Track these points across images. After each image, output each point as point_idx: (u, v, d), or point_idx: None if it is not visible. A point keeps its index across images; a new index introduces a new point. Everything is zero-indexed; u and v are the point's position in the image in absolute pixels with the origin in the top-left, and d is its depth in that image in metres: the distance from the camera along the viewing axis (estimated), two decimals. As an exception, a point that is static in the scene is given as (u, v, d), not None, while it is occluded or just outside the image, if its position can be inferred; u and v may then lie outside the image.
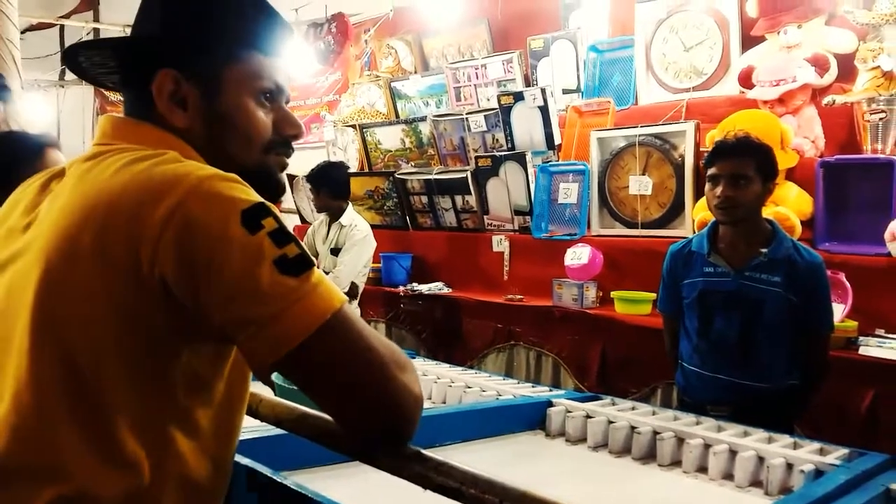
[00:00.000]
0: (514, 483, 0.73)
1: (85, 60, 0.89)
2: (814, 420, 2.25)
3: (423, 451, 0.77)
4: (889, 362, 2.28)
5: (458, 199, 3.86)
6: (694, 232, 2.88)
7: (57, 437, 0.73)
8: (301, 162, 3.51)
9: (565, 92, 3.79)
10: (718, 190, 1.96)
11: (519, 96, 3.60)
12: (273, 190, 0.91)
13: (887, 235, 2.40)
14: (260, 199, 0.75)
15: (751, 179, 1.94)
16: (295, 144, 0.94)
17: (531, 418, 1.89)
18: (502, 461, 1.64)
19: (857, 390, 2.36)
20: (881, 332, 2.42)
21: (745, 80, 3.03)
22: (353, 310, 0.78)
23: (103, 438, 0.74)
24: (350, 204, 3.57)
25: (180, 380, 0.78)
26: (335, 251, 3.46)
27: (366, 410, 0.76)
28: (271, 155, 0.90)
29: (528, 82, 3.94)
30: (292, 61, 5.38)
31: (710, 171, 2.00)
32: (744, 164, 1.94)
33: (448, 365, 2.51)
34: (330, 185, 3.46)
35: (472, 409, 1.88)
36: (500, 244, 3.60)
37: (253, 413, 0.97)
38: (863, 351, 2.34)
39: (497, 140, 3.81)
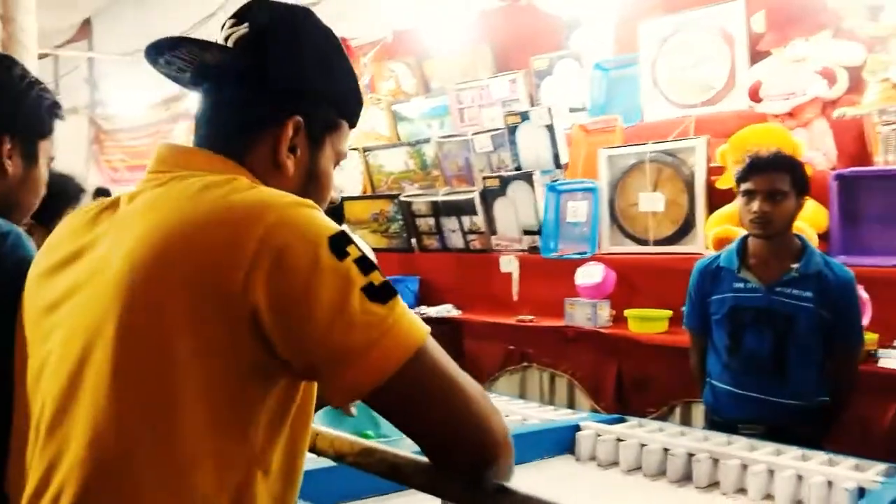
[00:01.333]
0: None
1: (169, 55, 0.86)
2: (838, 435, 2.22)
3: (507, 486, 0.74)
4: (911, 374, 2.25)
5: (465, 220, 3.83)
6: (707, 247, 2.87)
7: (137, 480, 0.70)
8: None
9: (571, 111, 3.79)
10: (755, 205, 1.95)
11: (525, 116, 3.60)
12: None
13: (905, 247, 2.38)
14: (338, 226, 0.75)
15: (786, 195, 1.94)
16: None
17: (560, 443, 1.85)
18: (537, 489, 1.60)
19: (879, 403, 2.33)
20: (902, 344, 2.40)
21: (754, 94, 3.04)
22: None
23: (183, 484, 0.71)
24: (346, 225, 3.52)
25: (261, 420, 0.75)
26: None
27: (460, 441, 0.75)
28: None
29: (533, 102, 3.94)
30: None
31: (745, 186, 1.99)
32: (780, 179, 1.94)
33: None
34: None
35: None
36: (509, 264, 3.57)
37: (310, 448, 0.93)
38: (883, 363, 2.32)
39: (503, 160, 3.80)
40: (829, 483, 1.50)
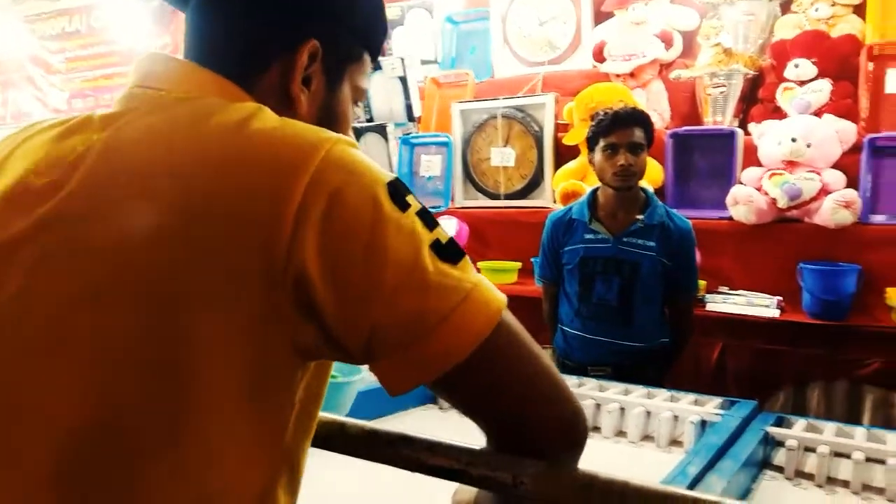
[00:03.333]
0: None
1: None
2: (674, 373, 2.43)
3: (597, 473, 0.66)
4: (733, 316, 2.50)
5: (316, 172, 3.73)
6: (555, 201, 2.99)
7: (138, 479, 0.56)
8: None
9: (423, 63, 3.77)
10: (620, 158, 2.03)
11: (377, 66, 3.53)
12: None
13: (729, 200, 2.61)
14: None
15: (644, 148, 2.05)
16: None
17: (422, 393, 1.88)
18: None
19: (707, 344, 2.58)
20: (725, 289, 2.65)
21: (598, 54, 3.16)
22: None
23: (198, 486, 0.57)
24: None
25: (292, 410, 0.62)
26: None
27: (548, 422, 0.65)
28: None
29: (384, 52, 3.87)
30: (122, 23, 4.94)
31: (607, 140, 2.06)
32: (639, 133, 2.04)
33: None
34: None
35: (362, 391, 1.84)
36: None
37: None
38: (710, 307, 2.55)
39: (355, 112, 3.72)
40: (675, 417, 1.63)
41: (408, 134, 3.51)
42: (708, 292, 2.64)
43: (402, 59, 3.46)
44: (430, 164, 3.42)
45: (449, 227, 3.16)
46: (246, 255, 0.55)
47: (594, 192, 2.18)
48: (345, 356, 0.61)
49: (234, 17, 0.70)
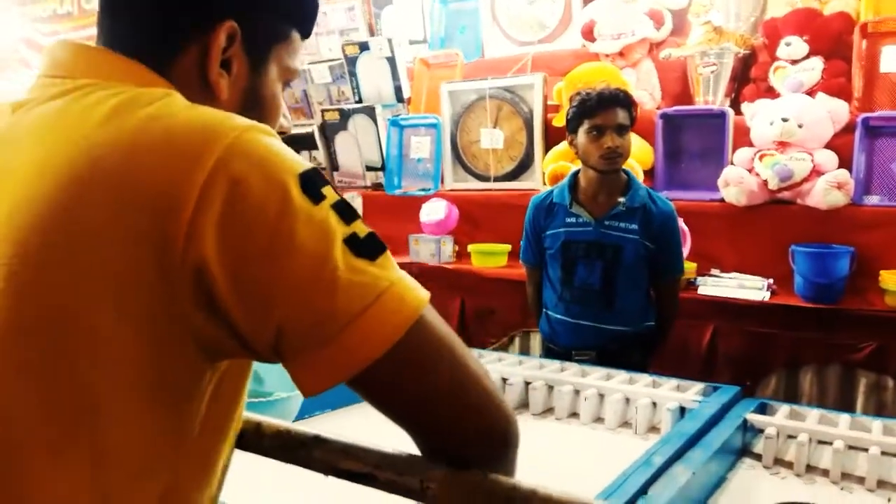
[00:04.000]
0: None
1: None
2: (663, 357, 2.40)
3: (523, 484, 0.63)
4: (724, 300, 2.46)
5: (305, 154, 3.69)
6: (545, 184, 2.95)
7: (38, 482, 0.53)
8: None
9: (412, 43, 3.71)
10: (607, 140, 1.98)
11: (364, 46, 3.48)
12: None
13: (720, 181, 2.56)
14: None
15: (629, 129, 1.99)
16: None
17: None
18: (376, 430, 1.59)
19: (697, 327, 2.54)
20: (716, 271, 2.61)
21: (588, 33, 3.10)
22: None
23: (91, 486, 0.54)
24: None
25: (200, 410, 0.59)
26: None
27: (471, 426, 0.62)
28: None
29: (373, 32, 3.81)
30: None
31: (592, 122, 2.00)
32: (624, 115, 1.98)
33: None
34: None
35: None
36: (353, 201, 3.49)
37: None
38: (701, 290, 2.51)
39: (343, 93, 3.67)
40: (654, 404, 1.60)
41: (397, 115, 3.46)
42: (699, 275, 2.60)
43: (390, 40, 3.40)
44: (419, 146, 3.37)
45: (438, 209, 3.12)
46: (140, 248, 0.52)
47: (575, 174, 2.13)
48: (254, 355, 0.58)
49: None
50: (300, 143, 3.65)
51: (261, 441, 0.69)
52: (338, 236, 0.55)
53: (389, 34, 3.58)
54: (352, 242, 0.56)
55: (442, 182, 3.36)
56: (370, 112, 3.43)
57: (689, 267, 2.61)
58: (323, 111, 3.58)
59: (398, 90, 3.49)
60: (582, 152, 2.05)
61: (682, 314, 2.36)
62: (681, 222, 2.63)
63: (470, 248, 3.07)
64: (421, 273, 3.14)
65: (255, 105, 0.69)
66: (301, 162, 0.57)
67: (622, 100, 2.00)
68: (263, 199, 0.53)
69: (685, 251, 2.62)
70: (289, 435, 0.68)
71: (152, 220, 0.52)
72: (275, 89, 0.71)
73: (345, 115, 3.49)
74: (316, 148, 3.61)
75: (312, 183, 0.56)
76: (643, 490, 1.03)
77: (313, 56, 3.86)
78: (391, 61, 3.43)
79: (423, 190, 3.34)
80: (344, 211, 0.57)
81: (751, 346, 2.48)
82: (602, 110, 1.99)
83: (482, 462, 0.63)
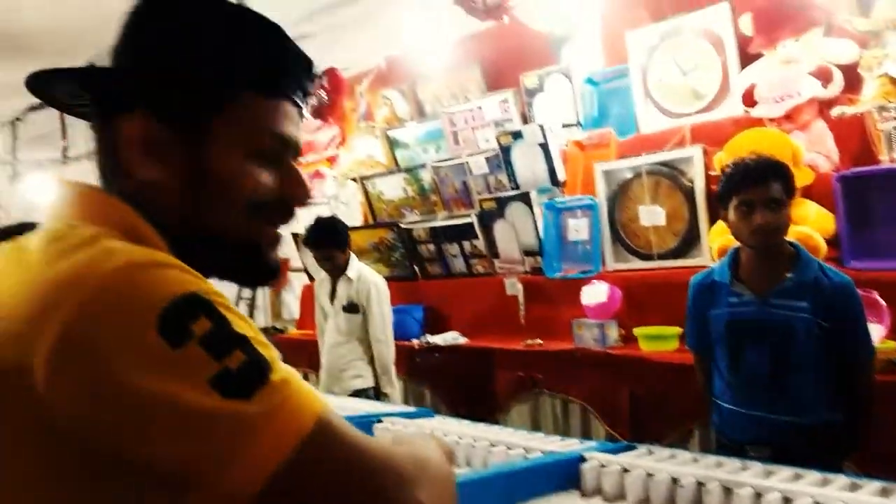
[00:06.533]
0: None
1: (59, 91, 0.70)
2: (863, 455, 2.11)
3: None
4: (936, 380, 2.15)
5: (466, 244, 3.77)
6: (713, 259, 2.78)
7: None
8: (308, 218, 3.43)
9: (564, 126, 3.73)
10: (756, 217, 1.84)
11: (518, 135, 3.54)
12: (262, 269, 0.72)
13: (917, 246, 2.28)
14: (193, 288, 0.54)
15: (783, 203, 1.84)
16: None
17: (564, 476, 1.76)
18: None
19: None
20: (924, 349, 2.29)
21: (748, 98, 2.96)
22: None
23: None
24: (352, 253, 3.45)
25: None
26: (349, 308, 3.34)
27: None
28: (259, 222, 0.69)
29: (526, 120, 3.88)
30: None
31: (741, 197, 1.87)
32: (777, 187, 1.84)
33: (469, 421, 2.39)
34: (339, 241, 3.34)
35: (499, 473, 1.76)
36: (514, 287, 3.49)
37: None
38: (908, 372, 2.21)
39: (500, 181, 3.75)
40: (849, 511, 1.40)
41: (553, 199, 3.45)
42: (902, 355, 2.29)
43: (542, 126, 3.44)
44: (577, 228, 3.33)
45: (600, 292, 3.04)
46: (14, 411, 0.52)
47: (736, 250, 1.99)
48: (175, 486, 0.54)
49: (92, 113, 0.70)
50: (460, 233, 3.74)
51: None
52: (199, 377, 0.51)
53: (542, 120, 3.62)
54: (219, 381, 0.51)
55: (603, 263, 3.28)
56: (525, 198, 3.45)
57: (890, 346, 2.31)
58: (481, 201, 3.66)
59: (552, 174, 3.50)
60: (733, 229, 1.91)
61: (884, 402, 2.08)
62: (875, 296, 2.37)
63: (636, 331, 2.94)
64: (586, 360, 3.04)
65: (205, 180, 0.66)
66: (168, 294, 0.53)
67: (773, 171, 1.86)
68: (108, 350, 0.51)
69: (882, 328, 2.34)
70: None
71: (12, 387, 0.52)
72: (230, 163, 0.67)
73: (501, 203, 3.54)
74: (476, 237, 3.68)
75: (175, 318, 0.52)
76: None
77: (471, 149, 4.00)
78: (544, 147, 3.46)
79: (584, 272, 3.27)
80: (217, 345, 0.53)
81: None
82: (751, 184, 1.85)
83: None
